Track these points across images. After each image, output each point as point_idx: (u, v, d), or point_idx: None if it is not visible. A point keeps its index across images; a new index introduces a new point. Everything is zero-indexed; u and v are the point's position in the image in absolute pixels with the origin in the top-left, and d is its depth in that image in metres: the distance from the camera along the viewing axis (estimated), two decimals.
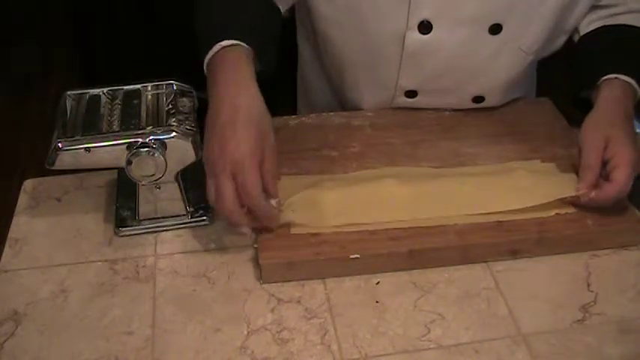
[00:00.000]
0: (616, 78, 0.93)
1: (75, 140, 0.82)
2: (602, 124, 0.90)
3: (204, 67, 0.83)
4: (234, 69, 0.80)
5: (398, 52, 0.95)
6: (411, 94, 1.01)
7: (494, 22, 0.92)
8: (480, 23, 0.92)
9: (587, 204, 0.86)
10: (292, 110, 1.27)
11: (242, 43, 0.82)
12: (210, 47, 0.81)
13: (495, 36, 0.93)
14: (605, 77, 0.93)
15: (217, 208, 0.78)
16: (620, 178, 0.84)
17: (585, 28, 1.00)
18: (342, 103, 1.13)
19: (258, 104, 0.79)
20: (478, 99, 1.02)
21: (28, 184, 0.96)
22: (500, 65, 0.97)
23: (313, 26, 1.04)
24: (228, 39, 0.81)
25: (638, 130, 0.93)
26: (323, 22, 1.01)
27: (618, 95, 0.92)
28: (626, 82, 0.93)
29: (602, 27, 0.99)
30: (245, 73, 0.80)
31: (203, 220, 0.89)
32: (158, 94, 0.90)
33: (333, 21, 0.99)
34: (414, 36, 0.93)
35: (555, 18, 0.94)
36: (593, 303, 0.78)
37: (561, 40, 1.01)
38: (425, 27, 0.92)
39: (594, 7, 0.99)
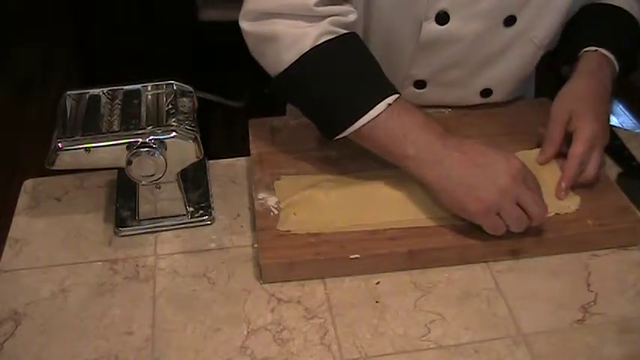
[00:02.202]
0: (595, 50, 0.94)
1: (75, 140, 0.82)
2: (571, 97, 0.92)
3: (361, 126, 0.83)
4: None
5: (413, 40, 0.95)
6: (420, 84, 1.01)
7: (509, 14, 0.92)
8: (496, 15, 0.92)
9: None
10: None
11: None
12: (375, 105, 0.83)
13: (509, 28, 0.93)
14: (586, 49, 0.95)
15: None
16: (573, 153, 0.87)
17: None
18: None
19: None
20: (486, 92, 1.02)
21: (28, 184, 0.96)
22: (512, 57, 0.97)
23: None
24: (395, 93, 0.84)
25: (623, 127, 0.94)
26: None
27: (594, 68, 0.93)
28: (605, 55, 0.94)
29: (587, 5, 1.00)
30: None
31: (203, 220, 0.89)
32: (158, 94, 0.90)
33: (353, 5, 0.99)
34: (431, 26, 0.92)
35: (567, 11, 0.95)
36: (593, 303, 0.78)
37: None
38: (442, 18, 0.91)
39: None
